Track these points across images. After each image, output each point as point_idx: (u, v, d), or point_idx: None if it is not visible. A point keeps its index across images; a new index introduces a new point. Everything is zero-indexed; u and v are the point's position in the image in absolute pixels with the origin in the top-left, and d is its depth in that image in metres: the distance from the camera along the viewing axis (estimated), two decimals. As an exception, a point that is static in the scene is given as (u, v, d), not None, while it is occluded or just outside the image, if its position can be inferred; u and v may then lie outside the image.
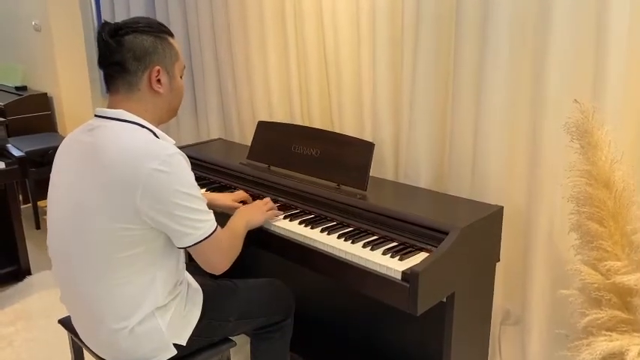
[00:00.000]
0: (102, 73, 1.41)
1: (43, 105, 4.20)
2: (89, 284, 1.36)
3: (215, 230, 1.38)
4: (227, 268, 1.45)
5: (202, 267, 1.42)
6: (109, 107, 1.40)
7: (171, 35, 1.44)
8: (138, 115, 1.37)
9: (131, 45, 1.35)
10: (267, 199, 1.78)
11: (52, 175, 1.45)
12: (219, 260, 1.43)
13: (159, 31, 1.40)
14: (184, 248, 1.38)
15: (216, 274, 1.44)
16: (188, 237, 1.34)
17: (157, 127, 1.41)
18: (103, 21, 1.39)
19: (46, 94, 4.22)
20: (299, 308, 1.80)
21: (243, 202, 1.90)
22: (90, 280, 1.35)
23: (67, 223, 1.37)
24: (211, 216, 1.38)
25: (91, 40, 4.09)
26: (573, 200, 1.46)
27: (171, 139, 1.42)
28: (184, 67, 1.50)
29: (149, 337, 1.39)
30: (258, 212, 1.69)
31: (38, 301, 2.77)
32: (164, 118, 1.46)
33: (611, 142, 1.40)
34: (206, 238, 1.35)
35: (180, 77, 1.47)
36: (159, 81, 1.39)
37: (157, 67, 1.38)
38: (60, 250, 1.42)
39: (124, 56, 1.35)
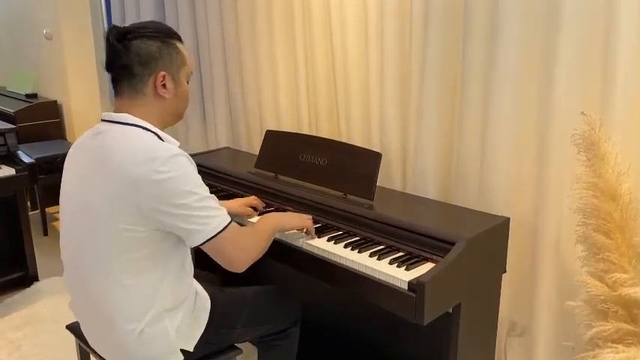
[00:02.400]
0: (109, 76, 1.43)
1: (53, 112, 4.24)
2: (99, 286, 1.37)
3: (228, 225, 1.35)
4: (247, 265, 1.41)
5: (222, 265, 1.39)
6: (115, 111, 1.41)
7: (180, 40, 1.45)
8: (143, 119, 1.38)
9: (138, 50, 1.36)
10: (310, 217, 1.73)
11: (62, 180, 1.47)
12: (238, 256, 1.39)
13: (166, 36, 1.41)
14: (199, 247, 1.36)
15: (237, 271, 1.41)
16: (198, 234, 1.32)
17: (162, 129, 1.42)
18: (112, 24, 1.40)
19: (55, 101, 4.26)
20: (304, 316, 1.80)
21: (256, 210, 1.93)
22: (100, 281, 1.37)
23: (76, 225, 1.39)
24: (222, 212, 1.36)
25: (101, 49, 4.14)
26: (580, 212, 1.47)
27: (176, 141, 1.42)
28: (192, 72, 1.51)
29: (158, 340, 1.40)
30: (293, 217, 1.67)
31: (46, 306, 2.79)
32: (169, 121, 1.47)
33: (617, 154, 1.41)
34: (218, 233, 1.33)
35: (187, 82, 1.47)
36: (164, 86, 1.40)
37: (163, 73, 1.39)
38: (70, 252, 1.44)
39: (130, 60, 1.36)
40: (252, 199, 1.95)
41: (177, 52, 1.43)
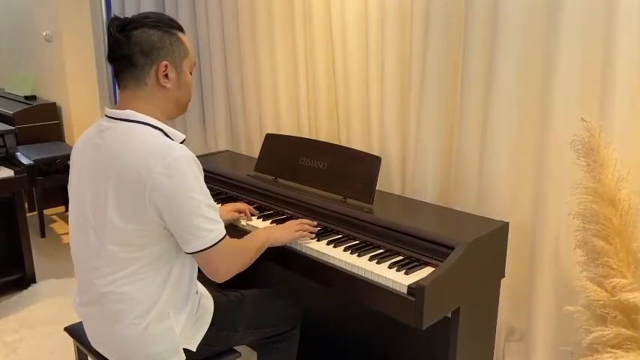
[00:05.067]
0: (111, 68, 1.41)
1: (52, 114, 4.23)
2: (106, 283, 1.37)
3: (221, 240, 1.36)
4: (229, 277, 1.42)
5: (205, 273, 1.41)
6: (118, 105, 1.40)
7: (182, 31, 1.44)
8: (147, 113, 1.37)
9: (139, 39, 1.35)
10: (302, 220, 1.75)
11: (69, 178, 1.47)
12: (223, 268, 1.40)
13: (168, 26, 1.40)
14: (190, 254, 1.37)
15: (217, 282, 1.42)
16: (192, 243, 1.33)
17: (166, 121, 1.41)
18: (112, 15, 1.39)
19: (54, 103, 4.25)
20: (303, 319, 1.80)
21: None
22: (107, 278, 1.37)
23: (86, 224, 1.39)
24: (219, 225, 1.36)
25: (100, 51, 4.14)
26: (579, 217, 1.47)
27: (182, 135, 1.42)
28: (195, 63, 1.49)
29: (162, 337, 1.40)
30: (285, 230, 1.66)
31: (42, 309, 2.78)
32: (173, 113, 1.46)
33: (617, 160, 1.41)
34: (211, 246, 1.34)
35: (190, 73, 1.46)
36: (166, 76, 1.38)
37: (164, 62, 1.38)
38: (80, 251, 1.44)
39: (131, 51, 1.35)
40: (242, 205, 1.95)
41: (179, 42, 1.41)
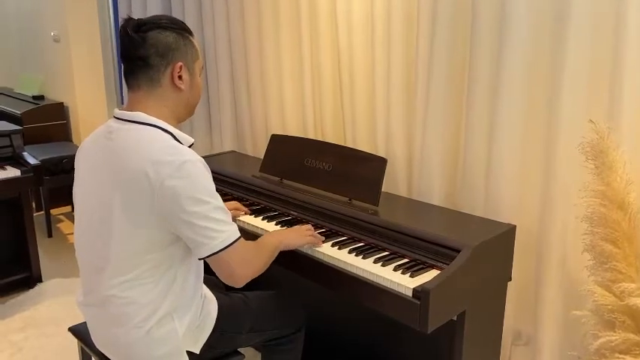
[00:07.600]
0: (122, 68, 1.41)
1: (59, 114, 4.26)
2: (111, 285, 1.37)
3: (236, 241, 1.35)
4: (246, 281, 1.40)
5: (221, 278, 1.39)
6: (128, 106, 1.40)
7: (192, 34, 1.45)
8: (157, 115, 1.37)
9: (154, 40, 1.36)
10: (309, 226, 1.72)
11: (75, 179, 1.47)
12: (239, 272, 1.37)
13: (181, 28, 1.41)
14: (203, 259, 1.36)
15: (235, 286, 1.40)
16: (204, 247, 1.32)
17: (175, 125, 1.42)
18: (127, 16, 1.39)
19: (62, 103, 4.27)
20: (306, 321, 1.79)
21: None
22: (112, 281, 1.37)
23: (91, 225, 1.39)
24: (231, 226, 1.35)
25: (108, 51, 4.16)
26: (587, 220, 1.45)
27: (191, 138, 1.42)
28: (203, 66, 1.51)
29: (165, 340, 1.40)
30: (296, 235, 1.64)
31: (48, 308, 2.79)
32: (182, 115, 1.46)
33: (625, 163, 1.40)
34: (224, 248, 1.32)
35: (199, 76, 1.48)
36: (180, 77, 1.40)
37: (180, 64, 1.39)
38: (85, 252, 1.44)
39: (147, 51, 1.35)
40: (233, 204, 1.95)
41: (192, 45, 1.43)
